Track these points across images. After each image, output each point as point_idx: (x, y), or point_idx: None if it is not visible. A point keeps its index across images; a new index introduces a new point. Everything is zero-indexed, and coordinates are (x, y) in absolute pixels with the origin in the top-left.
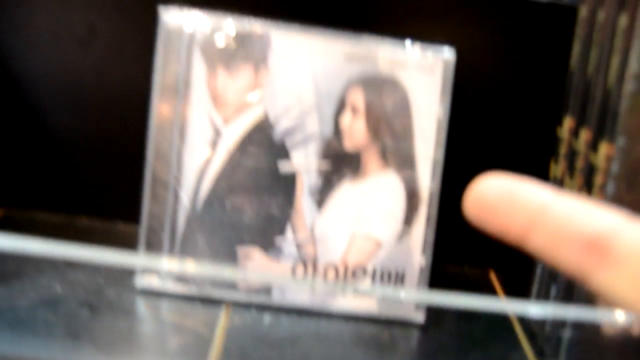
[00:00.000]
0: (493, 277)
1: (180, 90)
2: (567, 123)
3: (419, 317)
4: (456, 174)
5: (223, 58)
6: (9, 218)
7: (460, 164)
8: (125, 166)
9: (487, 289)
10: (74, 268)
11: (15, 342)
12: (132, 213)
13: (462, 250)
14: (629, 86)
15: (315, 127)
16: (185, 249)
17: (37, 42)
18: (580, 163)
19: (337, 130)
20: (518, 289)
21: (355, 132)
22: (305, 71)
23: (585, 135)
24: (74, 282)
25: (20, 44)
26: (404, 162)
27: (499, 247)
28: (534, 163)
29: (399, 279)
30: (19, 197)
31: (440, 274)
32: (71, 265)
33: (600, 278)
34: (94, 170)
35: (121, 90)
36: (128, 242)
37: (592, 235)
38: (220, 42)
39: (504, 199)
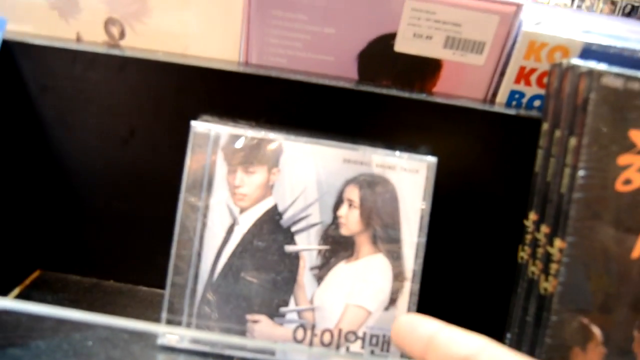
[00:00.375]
0: None
1: (204, 184)
2: (532, 217)
3: None
4: (438, 255)
5: (241, 159)
6: (45, 279)
7: (442, 248)
8: (152, 242)
9: None
10: (104, 327)
11: None
12: (154, 279)
13: (447, 319)
14: (576, 195)
15: (317, 216)
16: (202, 314)
17: (86, 139)
18: (540, 251)
19: (335, 220)
20: None
21: (351, 221)
22: (310, 171)
23: (544, 229)
24: (103, 338)
25: (71, 141)
26: (391, 246)
27: (478, 317)
28: (505, 248)
29: (385, 342)
30: (55, 260)
31: None
32: (102, 325)
33: None
34: (126, 243)
35: (154, 180)
36: (149, 304)
37: (463, 358)
38: (240, 146)
39: (408, 331)
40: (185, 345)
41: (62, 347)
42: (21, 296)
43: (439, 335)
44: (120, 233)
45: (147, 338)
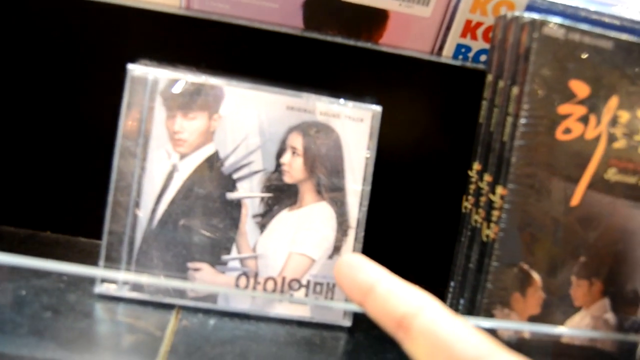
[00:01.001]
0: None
1: (142, 129)
2: (475, 167)
3: (347, 322)
4: (382, 205)
5: (181, 104)
6: None
7: (386, 197)
8: (90, 191)
9: None
10: (39, 276)
11: None
12: (93, 230)
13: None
14: (518, 142)
15: (260, 164)
16: (141, 262)
17: (19, 82)
18: (483, 200)
19: (278, 167)
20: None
21: (294, 169)
22: (252, 118)
23: (487, 178)
24: (38, 288)
25: (3, 85)
26: (335, 194)
27: (422, 265)
28: (449, 198)
29: (329, 289)
30: None
31: None
32: (36, 274)
33: (406, 346)
34: (63, 193)
35: (91, 126)
36: (88, 254)
37: (400, 315)
38: (179, 91)
39: (349, 275)
40: (124, 293)
41: None
42: None
43: (379, 286)
44: (56, 182)
45: (84, 287)
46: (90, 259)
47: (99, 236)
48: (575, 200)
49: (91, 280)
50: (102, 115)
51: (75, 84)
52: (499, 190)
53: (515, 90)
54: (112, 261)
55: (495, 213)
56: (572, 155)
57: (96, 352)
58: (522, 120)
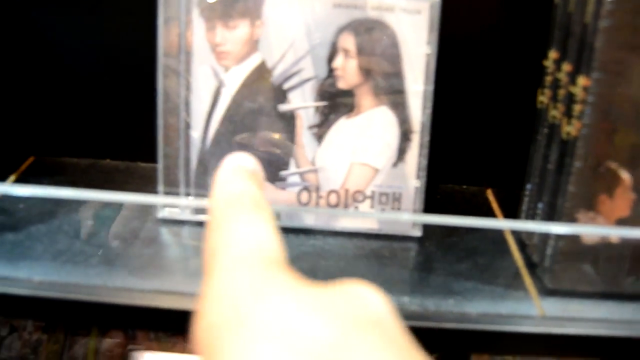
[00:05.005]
0: (490, 194)
1: (183, 45)
2: (552, 55)
3: (416, 232)
4: (448, 105)
5: (219, 14)
6: (41, 164)
7: (452, 96)
8: (142, 116)
9: (484, 205)
10: (104, 205)
11: (58, 271)
12: (150, 154)
13: (462, 172)
14: (603, 23)
15: (311, 70)
16: (199, 183)
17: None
18: (562, 92)
19: (331, 73)
20: (511, 204)
21: (348, 72)
22: (298, 21)
23: (566, 67)
24: (105, 217)
25: (49, 28)
26: (395, 97)
27: (496, 168)
28: (523, 92)
29: (396, 199)
30: (49, 146)
31: (441, 193)
32: (101, 203)
33: None
34: (116, 119)
35: (131, 51)
36: (148, 179)
37: None
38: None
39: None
40: (187, 216)
41: (63, 228)
42: (17, 183)
43: None
44: (110, 110)
45: (148, 213)
46: (151, 183)
47: (156, 160)
48: None
49: (154, 205)
50: (141, 35)
51: (110, 9)
52: (581, 80)
53: None
54: (171, 185)
55: (577, 107)
56: None
57: (165, 277)
58: None
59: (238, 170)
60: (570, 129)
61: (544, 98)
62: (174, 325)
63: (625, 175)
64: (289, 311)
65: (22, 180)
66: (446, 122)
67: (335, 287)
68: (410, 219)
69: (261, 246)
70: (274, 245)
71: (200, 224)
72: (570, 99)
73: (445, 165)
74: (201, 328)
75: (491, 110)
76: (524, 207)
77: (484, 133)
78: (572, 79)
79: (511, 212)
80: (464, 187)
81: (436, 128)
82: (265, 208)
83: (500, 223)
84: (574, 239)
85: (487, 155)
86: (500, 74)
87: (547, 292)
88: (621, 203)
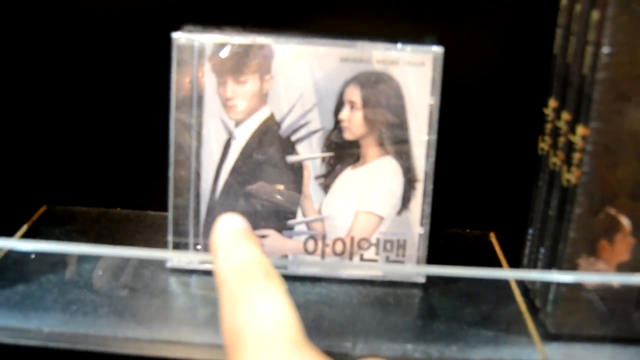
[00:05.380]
0: (493, 237)
1: (194, 99)
2: (552, 104)
3: (421, 279)
4: (451, 154)
5: (230, 69)
6: (53, 212)
7: (455, 145)
8: (152, 166)
9: (487, 248)
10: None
11: (67, 322)
12: (160, 202)
13: (465, 217)
14: (600, 75)
15: (318, 122)
16: (208, 233)
17: (69, 64)
18: (562, 140)
19: (338, 124)
20: (514, 247)
21: (354, 124)
22: (306, 75)
23: (565, 116)
24: (114, 266)
25: (57, 71)
26: (400, 146)
27: (498, 212)
28: (523, 140)
29: (400, 246)
30: (61, 195)
31: (445, 237)
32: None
33: None
34: (127, 168)
35: (144, 101)
36: (157, 227)
37: None
38: (227, 55)
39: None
40: (195, 266)
41: (73, 278)
42: (30, 232)
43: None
44: (121, 160)
45: (157, 262)
46: (160, 232)
47: (166, 208)
48: None
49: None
50: (153, 88)
51: (122, 61)
52: (580, 130)
53: (595, 14)
54: (180, 235)
55: (576, 155)
56: None
57: (174, 327)
58: (605, 50)
59: (236, 233)
60: (570, 176)
61: (544, 145)
62: None
63: (625, 221)
64: None
65: (34, 229)
66: (450, 168)
67: None
68: (414, 270)
69: (283, 324)
70: (293, 321)
71: (209, 273)
72: (570, 147)
73: (449, 210)
74: None
75: (494, 156)
76: (527, 251)
77: (487, 178)
78: (572, 128)
79: (514, 255)
80: (468, 230)
81: (440, 174)
82: (275, 275)
83: (502, 273)
84: (576, 283)
85: (490, 200)
86: (502, 121)
87: (549, 336)
88: (621, 248)
